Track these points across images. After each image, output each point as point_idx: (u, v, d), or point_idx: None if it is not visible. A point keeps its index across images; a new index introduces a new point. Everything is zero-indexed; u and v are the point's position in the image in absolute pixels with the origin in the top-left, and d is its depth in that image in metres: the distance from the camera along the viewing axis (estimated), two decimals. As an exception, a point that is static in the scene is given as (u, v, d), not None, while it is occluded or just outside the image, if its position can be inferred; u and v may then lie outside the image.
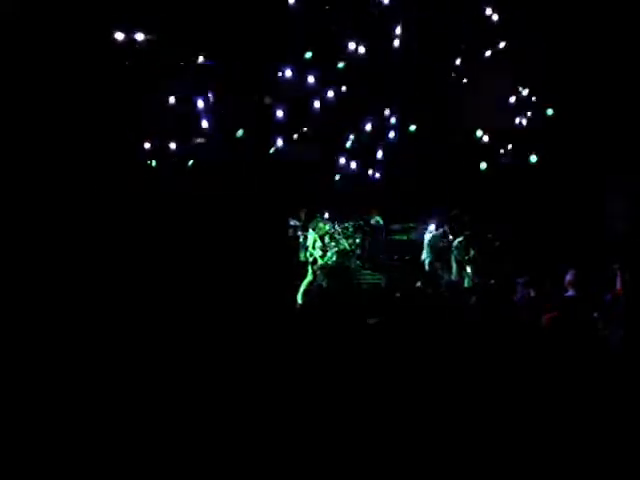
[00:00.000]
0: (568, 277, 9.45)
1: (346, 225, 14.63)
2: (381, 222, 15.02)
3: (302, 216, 14.29)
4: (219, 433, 6.93)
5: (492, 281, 12.65)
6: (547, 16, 13.33)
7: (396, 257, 15.11)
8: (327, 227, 13.84)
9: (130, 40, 13.26)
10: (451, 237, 14.09)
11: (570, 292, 9.36)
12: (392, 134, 14.22)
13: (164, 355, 8.85)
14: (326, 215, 14.20)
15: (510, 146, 14.16)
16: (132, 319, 10.26)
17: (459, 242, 13.81)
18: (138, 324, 10.07)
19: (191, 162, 13.87)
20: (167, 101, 13.55)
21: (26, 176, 12.25)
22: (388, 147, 14.37)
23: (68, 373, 8.19)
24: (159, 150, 13.69)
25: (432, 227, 14.17)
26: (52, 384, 7.86)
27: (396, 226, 15.45)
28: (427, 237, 14.10)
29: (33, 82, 12.41)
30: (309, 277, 13.38)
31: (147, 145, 13.56)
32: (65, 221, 12.43)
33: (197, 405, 7.40)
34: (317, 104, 13.83)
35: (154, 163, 13.82)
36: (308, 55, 13.71)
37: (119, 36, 13.12)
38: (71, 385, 7.84)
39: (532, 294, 9.91)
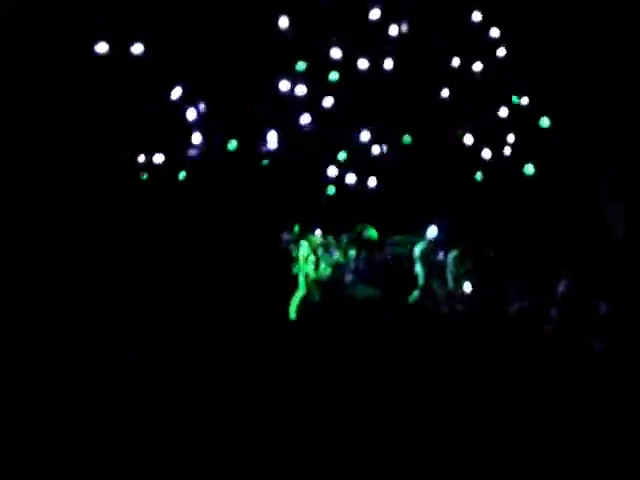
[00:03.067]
0: (561, 287, 9.30)
1: (340, 238, 14.43)
2: (375, 234, 14.81)
3: (295, 229, 14.12)
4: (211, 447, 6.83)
5: (489, 292, 12.49)
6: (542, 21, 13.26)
7: (391, 270, 14.89)
8: (319, 240, 13.66)
9: (121, 50, 13.24)
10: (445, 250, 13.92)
11: (564, 302, 9.20)
12: (387, 145, 14.08)
13: (154, 366, 8.79)
14: (318, 230, 14.01)
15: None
16: (122, 327, 10.23)
17: (454, 255, 13.61)
18: (127, 332, 10.03)
19: (182, 174, 13.75)
20: (158, 112, 13.48)
21: (12, 185, 12.21)
22: (383, 158, 14.25)
23: (64, 372, 8.16)
24: (150, 162, 13.59)
25: (426, 240, 14.00)
26: (48, 383, 7.82)
27: (392, 239, 15.23)
28: (416, 250, 13.92)
29: (19, 92, 12.39)
30: (301, 291, 13.20)
31: (137, 157, 13.47)
32: (53, 232, 12.38)
33: (188, 419, 7.30)
34: (310, 115, 13.77)
35: (145, 176, 13.71)
36: (301, 66, 13.67)
37: (110, 46, 13.08)
38: (66, 385, 7.79)
39: (526, 305, 9.77)
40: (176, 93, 13.46)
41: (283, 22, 13.48)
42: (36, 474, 6.37)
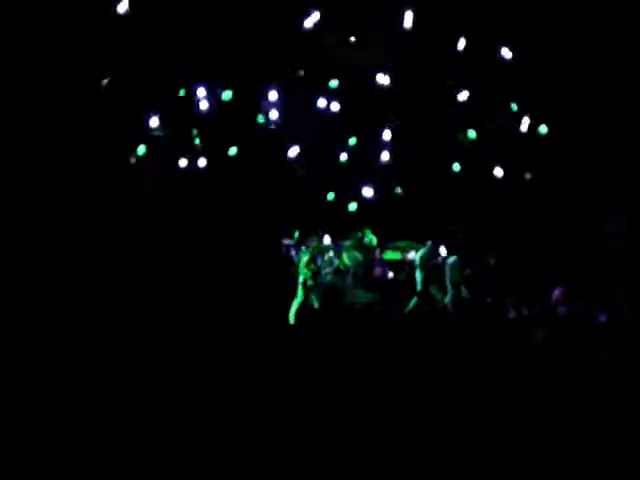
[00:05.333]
0: (556, 293, 9.29)
1: (340, 244, 14.44)
2: (374, 240, 14.83)
3: (295, 235, 14.13)
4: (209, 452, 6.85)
5: (488, 300, 12.52)
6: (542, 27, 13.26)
7: (391, 276, 14.89)
8: (319, 246, 13.65)
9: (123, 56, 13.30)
10: (444, 256, 13.92)
11: (561, 309, 9.19)
12: (386, 151, 14.09)
13: (152, 373, 8.78)
14: (322, 235, 14.01)
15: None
16: (118, 339, 10.22)
17: (453, 262, 13.61)
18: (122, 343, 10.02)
19: (184, 179, 13.77)
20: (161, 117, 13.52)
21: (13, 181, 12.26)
22: (383, 164, 14.26)
23: (65, 374, 8.17)
24: (152, 168, 13.62)
25: (426, 246, 14.02)
26: (50, 384, 7.83)
27: (391, 244, 15.24)
28: (417, 256, 13.94)
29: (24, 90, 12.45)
30: (300, 297, 13.18)
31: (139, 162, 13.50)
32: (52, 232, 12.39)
33: (185, 424, 7.31)
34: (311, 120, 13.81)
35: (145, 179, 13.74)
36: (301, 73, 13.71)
37: (110, 52, 13.15)
38: (69, 385, 7.81)
39: (524, 312, 9.79)
40: (178, 97, 13.57)
41: (285, 28, 13.51)
42: (41, 473, 6.41)
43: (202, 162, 13.67)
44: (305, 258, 13.39)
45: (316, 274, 13.29)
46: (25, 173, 12.43)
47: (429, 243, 14.05)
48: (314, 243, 13.58)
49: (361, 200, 14.15)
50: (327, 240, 14.17)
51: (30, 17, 12.44)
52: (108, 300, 11.79)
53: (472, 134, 13.73)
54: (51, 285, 11.61)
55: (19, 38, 12.45)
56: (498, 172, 13.88)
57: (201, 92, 13.62)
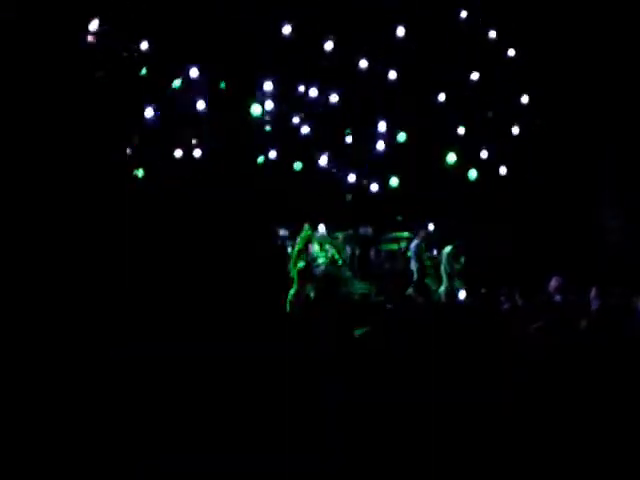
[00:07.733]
0: (552, 283, 9.30)
1: (336, 235, 14.47)
2: (370, 231, 14.91)
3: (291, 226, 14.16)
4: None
5: (483, 290, 12.55)
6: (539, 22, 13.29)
7: (387, 267, 14.95)
8: (314, 236, 13.65)
9: (120, 49, 13.28)
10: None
11: (556, 298, 9.20)
12: (383, 143, 14.10)
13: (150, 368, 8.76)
14: (321, 226, 14.04)
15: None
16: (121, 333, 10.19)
17: (448, 252, 13.66)
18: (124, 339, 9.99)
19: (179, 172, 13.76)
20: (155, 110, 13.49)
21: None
22: (380, 156, 14.28)
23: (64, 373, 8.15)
24: (146, 160, 13.60)
25: (420, 236, 14.08)
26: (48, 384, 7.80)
27: (388, 235, 15.30)
28: (412, 246, 14.00)
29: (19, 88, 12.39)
30: (295, 287, 13.18)
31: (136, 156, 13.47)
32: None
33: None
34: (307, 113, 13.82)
35: (140, 173, 13.72)
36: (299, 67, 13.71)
37: (107, 44, 13.11)
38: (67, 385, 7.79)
39: (520, 303, 9.79)
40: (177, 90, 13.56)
41: (284, 24, 13.52)
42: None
43: (197, 153, 13.69)
44: (299, 248, 13.38)
45: (310, 264, 13.28)
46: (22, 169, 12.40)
47: (423, 234, 14.14)
48: (307, 232, 13.55)
49: (357, 191, 14.22)
50: (322, 230, 14.25)
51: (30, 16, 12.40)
52: (110, 293, 11.79)
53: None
54: (51, 285, 11.57)
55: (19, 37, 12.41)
56: (494, 167, 13.96)
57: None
